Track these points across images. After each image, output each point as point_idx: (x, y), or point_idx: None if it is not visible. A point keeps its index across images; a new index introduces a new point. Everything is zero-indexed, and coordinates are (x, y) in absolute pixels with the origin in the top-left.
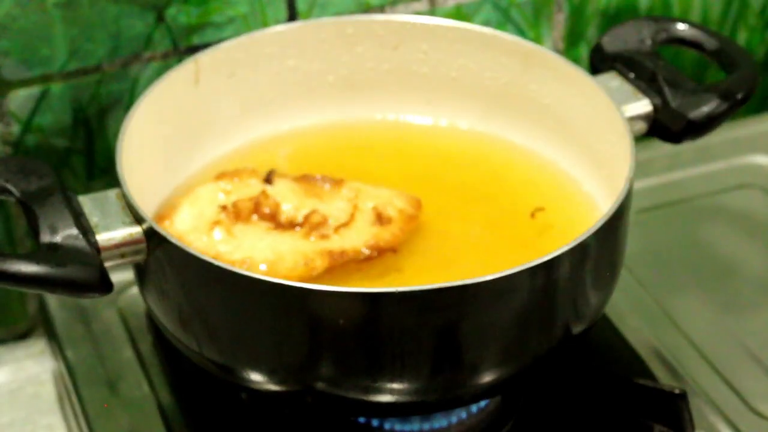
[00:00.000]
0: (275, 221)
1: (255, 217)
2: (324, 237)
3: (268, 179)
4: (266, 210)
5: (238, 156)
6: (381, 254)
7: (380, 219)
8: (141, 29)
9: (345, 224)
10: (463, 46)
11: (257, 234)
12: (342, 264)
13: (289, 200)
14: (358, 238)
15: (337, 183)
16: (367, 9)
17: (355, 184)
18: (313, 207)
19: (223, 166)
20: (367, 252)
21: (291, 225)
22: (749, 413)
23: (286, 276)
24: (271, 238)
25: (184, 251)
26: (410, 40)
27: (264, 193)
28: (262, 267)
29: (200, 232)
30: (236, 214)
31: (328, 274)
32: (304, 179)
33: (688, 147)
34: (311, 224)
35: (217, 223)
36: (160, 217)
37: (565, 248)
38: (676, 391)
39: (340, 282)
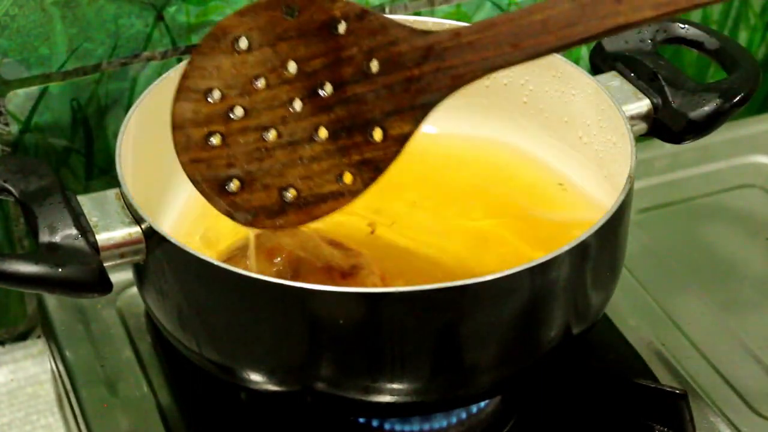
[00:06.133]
0: None
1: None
2: None
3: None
4: None
5: None
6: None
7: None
8: (140, 28)
9: None
10: None
11: None
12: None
13: None
14: None
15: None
16: None
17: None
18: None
19: None
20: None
21: None
22: (749, 413)
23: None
24: None
25: (184, 251)
26: None
27: None
28: None
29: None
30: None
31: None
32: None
33: (688, 147)
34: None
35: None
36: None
37: (565, 248)
38: (677, 391)
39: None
